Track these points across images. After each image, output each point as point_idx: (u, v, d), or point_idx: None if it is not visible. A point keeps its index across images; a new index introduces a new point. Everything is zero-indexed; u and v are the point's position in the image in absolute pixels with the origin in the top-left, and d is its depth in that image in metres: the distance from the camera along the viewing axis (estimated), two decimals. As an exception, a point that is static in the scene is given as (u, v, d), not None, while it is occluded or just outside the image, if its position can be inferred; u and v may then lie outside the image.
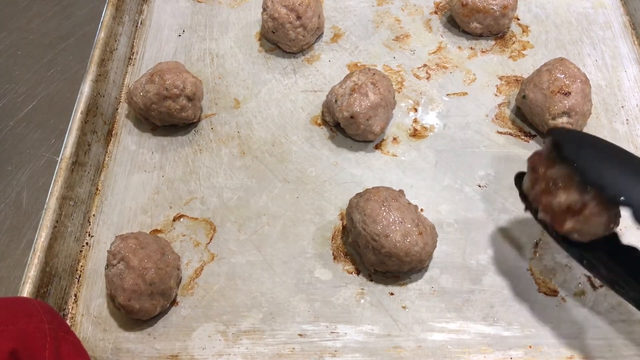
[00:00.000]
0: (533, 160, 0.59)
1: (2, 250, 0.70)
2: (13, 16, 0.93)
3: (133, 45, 0.87)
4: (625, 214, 0.51)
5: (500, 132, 0.76)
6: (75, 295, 0.65)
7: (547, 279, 0.64)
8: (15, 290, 0.66)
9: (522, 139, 0.75)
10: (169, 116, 0.74)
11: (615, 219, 0.56)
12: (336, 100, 0.73)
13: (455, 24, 0.86)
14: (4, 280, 0.68)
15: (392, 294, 0.64)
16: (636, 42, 0.85)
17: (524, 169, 0.72)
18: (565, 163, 0.55)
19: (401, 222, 0.61)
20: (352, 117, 0.71)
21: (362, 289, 0.64)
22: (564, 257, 0.66)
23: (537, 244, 0.67)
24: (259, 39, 0.87)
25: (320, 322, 0.62)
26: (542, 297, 0.63)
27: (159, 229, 0.69)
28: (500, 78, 0.81)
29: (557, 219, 0.56)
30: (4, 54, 0.89)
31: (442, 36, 0.86)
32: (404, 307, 0.63)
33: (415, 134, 0.76)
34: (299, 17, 0.79)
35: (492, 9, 0.80)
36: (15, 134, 0.80)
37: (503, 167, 0.73)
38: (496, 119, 0.77)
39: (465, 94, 0.79)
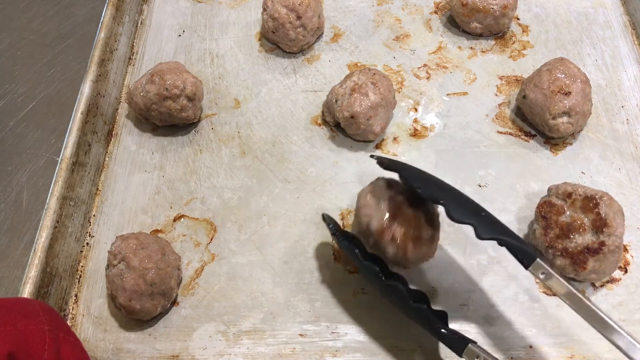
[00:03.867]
0: (543, 209, 0.63)
1: (2, 250, 0.70)
2: (13, 16, 0.93)
3: (133, 45, 0.87)
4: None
5: (501, 132, 0.76)
6: (76, 296, 0.65)
7: (547, 279, 0.64)
8: (15, 290, 0.66)
9: (522, 139, 0.75)
10: (170, 116, 0.74)
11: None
12: (336, 100, 0.73)
13: (455, 23, 0.86)
14: (4, 280, 0.68)
15: (392, 293, 0.64)
16: (636, 42, 0.85)
17: (524, 168, 0.72)
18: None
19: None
20: (352, 117, 0.70)
21: (362, 288, 0.64)
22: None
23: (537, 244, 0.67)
24: (259, 39, 0.87)
25: (321, 322, 0.62)
26: (543, 297, 0.63)
27: (159, 229, 0.69)
28: (501, 78, 0.81)
29: (578, 260, 0.59)
30: (4, 54, 0.89)
31: (442, 36, 0.86)
32: (404, 307, 0.63)
33: (415, 134, 0.76)
34: (299, 17, 0.79)
35: (492, 8, 0.80)
36: (15, 134, 0.80)
37: (503, 167, 0.73)
38: (496, 118, 0.77)
39: (465, 93, 0.79)
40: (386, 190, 0.61)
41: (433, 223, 0.60)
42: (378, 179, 0.64)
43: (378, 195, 0.61)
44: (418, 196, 0.60)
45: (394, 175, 0.60)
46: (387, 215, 0.59)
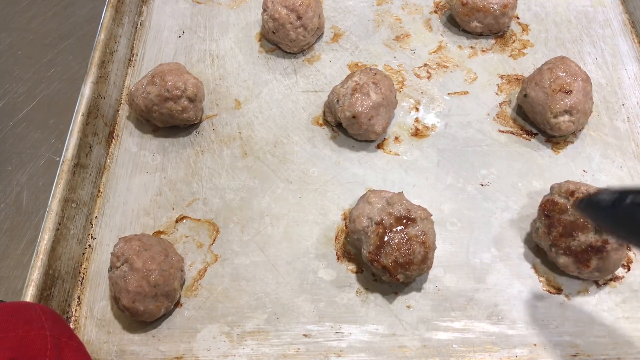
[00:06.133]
0: (546, 207, 0.63)
1: (2, 250, 0.70)
2: (13, 16, 0.93)
3: (133, 46, 0.86)
4: None
5: (502, 131, 0.76)
6: (79, 298, 0.65)
7: (551, 277, 0.64)
8: (15, 289, 0.66)
9: (523, 138, 0.75)
10: (171, 117, 0.73)
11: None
12: (338, 100, 0.72)
13: (455, 23, 0.86)
14: (4, 280, 0.68)
15: (396, 293, 0.64)
16: (636, 40, 0.85)
17: (526, 167, 0.73)
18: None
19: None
20: (354, 116, 0.70)
21: (366, 288, 0.64)
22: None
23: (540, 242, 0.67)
24: (259, 40, 0.86)
25: (325, 322, 0.62)
26: (547, 295, 0.63)
27: (161, 230, 0.69)
28: (501, 77, 0.81)
29: (582, 259, 0.60)
30: (4, 54, 0.88)
31: (442, 35, 0.86)
32: (408, 307, 0.63)
33: (417, 133, 0.76)
34: (299, 18, 0.79)
35: (492, 7, 0.80)
36: (15, 134, 0.80)
37: (505, 166, 0.73)
38: (497, 117, 0.77)
39: (466, 93, 0.79)
40: (376, 209, 0.62)
41: (426, 241, 0.60)
42: (368, 192, 0.65)
43: (367, 215, 0.62)
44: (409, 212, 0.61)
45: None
46: (376, 242, 0.60)
